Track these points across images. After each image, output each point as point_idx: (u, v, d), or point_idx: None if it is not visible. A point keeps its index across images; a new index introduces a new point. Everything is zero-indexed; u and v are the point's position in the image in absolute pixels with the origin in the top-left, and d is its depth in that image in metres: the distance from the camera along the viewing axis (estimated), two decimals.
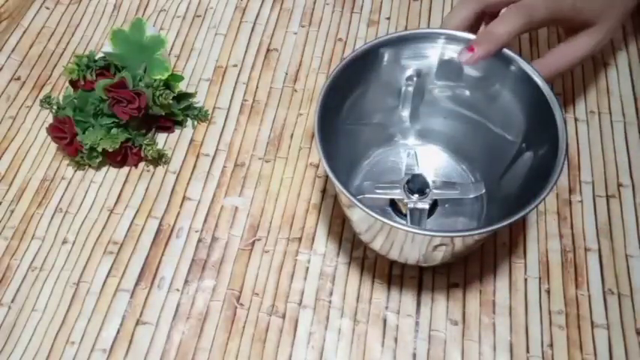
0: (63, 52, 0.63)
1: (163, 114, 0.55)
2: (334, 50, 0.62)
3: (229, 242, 0.51)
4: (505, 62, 0.44)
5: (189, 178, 0.55)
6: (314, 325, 0.47)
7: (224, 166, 0.55)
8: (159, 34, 0.57)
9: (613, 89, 0.58)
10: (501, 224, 0.38)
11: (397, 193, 0.48)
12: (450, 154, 0.52)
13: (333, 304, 0.48)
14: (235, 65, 0.62)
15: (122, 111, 0.52)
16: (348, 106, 0.47)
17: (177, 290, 0.49)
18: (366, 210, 0.38)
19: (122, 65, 0.55)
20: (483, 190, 0.48)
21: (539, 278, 0.49)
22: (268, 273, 0.50)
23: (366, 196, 0.48)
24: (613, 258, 0.49)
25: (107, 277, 0.50)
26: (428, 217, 0.48)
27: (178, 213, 0.53)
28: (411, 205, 0.47)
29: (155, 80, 0.55)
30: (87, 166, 0.55)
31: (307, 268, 0.50)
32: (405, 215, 0.48)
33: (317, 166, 0.55)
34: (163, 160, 0.55)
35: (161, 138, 0.57)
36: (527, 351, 0.46)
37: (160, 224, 0.52)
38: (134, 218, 0.53)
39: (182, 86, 0.59)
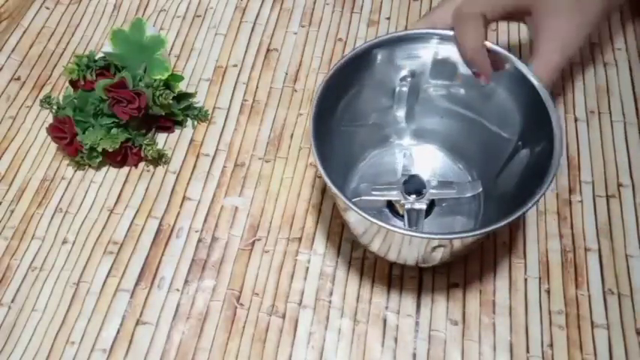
0: (63, 52, 0.63)
1: (163, 114, 0.55)
2: (334, 50, 0.62)
3: (229, 242, 0.51)
4: (499, 60, 0.44)
5: (189, 178, 0.55)
6: (314, 325, 0.47)
7: (224, 166, 0.55)
8: (159, 34, 0.57)
9: (613, 89, 0.58)
10: (498, 225, 0.38)
11: (394, 195, 0.48)
12: (446, 153, 0.52)
13: (333, 304, 0.48)
14: (235, 65, 0.62)
15: (122, 111, 0.52)
16: (343, 107, 0.47)
17: (177, 290, 0.49)
18: (362, 214, 0.38)
19: (122, 65, 0.55)
20: (480, 189, 0.48)
21: (539, 278, 0.49)
22: (268, 273, 0.50)
23: (363, 198, 0.47)
24: (613, 258, 0.49)
25: (107, 277, 0.50)
26: (425, 217, 0.48)
27: (178, 213, 0.53)
28: (408, 206, 0.47)
29: (155, 80, 0.55)
30: (87, 166, 0.55)
31: (307, 268, 0.50)
32: (403, 216, 0.48)
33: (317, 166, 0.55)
34: (163, 160, 0.55)
35: (161, 138, 0.57)
36: (527, 351, 0.46)
37: (160, 224, 0.52)
38: (134, 218, 0.53)
39: (182, 86, 0.59)
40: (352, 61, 0.44)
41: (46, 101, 0.59)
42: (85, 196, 0.54)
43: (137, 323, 0.48)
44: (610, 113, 0.57)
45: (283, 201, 0.53)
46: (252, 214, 0.53)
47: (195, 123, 0.58)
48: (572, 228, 0.51)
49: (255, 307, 0.48)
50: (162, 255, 0.51)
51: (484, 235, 0.39)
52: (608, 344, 0.46)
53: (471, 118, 0.49)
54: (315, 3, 0.66)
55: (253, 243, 0.51)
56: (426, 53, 0.46)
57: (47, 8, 0.67)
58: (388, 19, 0.64)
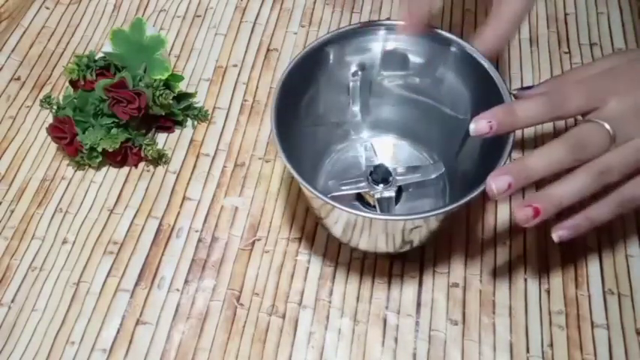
0: (63, 52, 0.63)
1: (163, 114, 0.55)
2: None
3: (229, 242, 0.51)
4: (445, 44, 0.46)
5: (189, 178, 0.55)
6: (314, 325, 0.47)
7: (224, 166, 0.55)
8: (159, 34, 0.57)
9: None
10: (459, 203, 0.39)
11: (363, 187, 0.49)
12: (406, 140, 0.53)
13: (333, 304, 0.48)
14: (235, 65, 0.62)
15: (122, 111, 0.52)
16: (304, 107, 0.48)
17: (177, 290, 0.49)
18: (333, 203, 0.39)
19: (122, 65, 0.55)
20: (443, 169, 0.50)
21: (539, 278, 0.49)
22: (268, 273, 0.50)
23: (334, 194, 0.48)
24: (613, 258, 0.49)
25: (107, 277, 0.50)
26: (395, 204, 0.49)
27: (178, 213, 0.53)
28: (377, 195, 0.48)
29: (155, 80, 0.55)
30: (87, 166, 0.55)
31: (307, 268, 0.50)
32: (374, 206, 0.49)
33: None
34: (163, 160, 0.55)
35: (161, 138, 0.57)
36: (528, 351, 0.46)
37: (160, 224, 0.52)
38: (134, 218, 0.53)
39: (182, 86, 0.59)
40: (303, 60, 0.46)
41: (46, 101, 0.59)
42: (85, 196, 0.54)
43: (137, 323, 0.48)
44: None
45: (283, 201, 0.53)
46: (252, 214, 0.53)
47: (195, 123, 0.58)
48: None
49: (255, 307, 0.48)
50: (162, 255, 0.51)
51: (449, 212, 0.40)
52: (608, 344, 0.46)
53: (425, 104, 0.50)
54: (315, 3, 0.66)
55: (253, 243, 0.51)
56: (375, 45, 0.48)
57: (47, 8, 0.67)
58: (388, 19, 0.64)
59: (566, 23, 0.63)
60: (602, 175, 0.39)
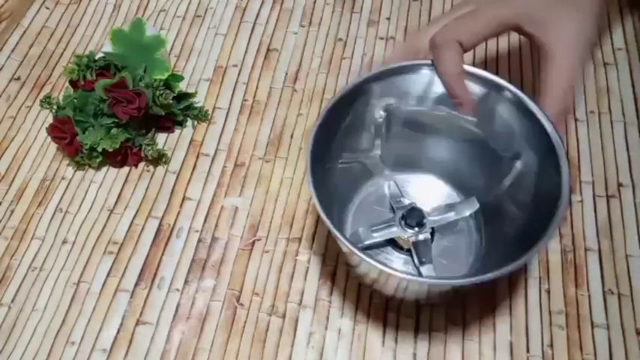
0: (63, 52, 0.63)
1: (163, 114, 0.55)
2: (334, 50, 0.62)
3: (229, 242, 0.51)
4: (491, 87, 0.44)
5: (189, 178, 0.55)
6: (314, 325, 0.47)
7: (224, 166, 0.55)
8: (159, 34, 0.57)
9: (613, 89, 0.58)
10: (510, 266, 0.37)
11: (395, 232, 0.46)
12: (436, 177, 0.51)
13: (333, 304, 0.48)
14: (235, 65, 0.62)
15: (122, 111, 0.52)
16: (333, 149, 0.46)
17: (177, 290, 0.49)
18: (390, 270, 0.38)
19: (122, 65, 0.55)
20: (477, 206, 0.48)
21: (539, 278, 0.49)
22: (268, 273, 0.50)
23: (366, 243, 0.46)
24: (613, 258, 0.49)
25: (107, 277, 0.50)
26: None
27: (178, 213, 0.53)
28: (412, 239, 0.46)
29: (155, 80, 0.55)
30: (87, 166, 0.55)
31: (307, 268, 0.50)
32: (409, 250, 0.47)
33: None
34: (163, 160, 0.55)
35: (161, 138, 0.57)
36: (528, 351, 0.46)
37: (160, 224, 0.52)
38: (134, 218, 0.53)
39: (182, 86, 0.59)
40: (338, 102, 0.44)
41: (46, 101, 0.59)
42: (85, 196, 0.54)
43: (137, 323, 0.48)
44: (610, 113, 0.57)
45: (283, 201, 0.53)
46: (252, 214, 0.53)
47: (195, 123, 0.58)
48: (572, 228, 0.51)
49: (255, 307, 0.48)
50: (162, 255, 0.51)
51: (496, 277, 0.38)
52: (608, 344, 0.46)
53: (458, 140, 0.48)
54: (315, 3, 0.66)
55: (253, 243, 0.51)
56: (402, 84, 0.46)
57: (47, 8, 0.67)
58: (388, 19, 0.64)
59: None
60: None
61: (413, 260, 0.47)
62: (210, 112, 0.58)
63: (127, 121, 0.53)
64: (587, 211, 0.52)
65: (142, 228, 0.52)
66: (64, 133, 0.53)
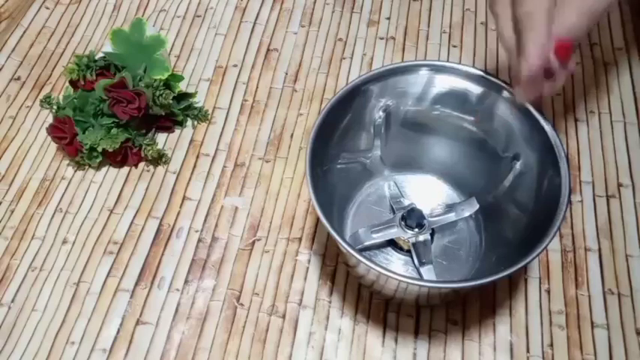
0: (63, 52, 0.63)
1: (163, 114, 0.55)
2: (334, 50, 0.62)
3: (229, 242, 0.51)
4: (491, 87, 0.44)
5: (189, 178, 0.55)
6: (314, 325, 0.47)
7: (224, 166, 0.55)
8: (159, 34, 0.57)
9: (613, 89, 0.58)
10: (512, 269, 0.37)
11: (395, 232, 0.47)
12: (435, 177, 0.51)
13: (333, 304, 0.48)
14: (235, 65, 0.62)
15: (122, 111, 0.52)
16: (332, 149, 0.46)
17: (177, 290, 0.49)
18: (390, 274, 0.38)
19: (122, 65, 0.55)
20: (477, 206, 0.48)
21: (540, 278, 0.49)
22: (268, 273, 0.50)
23: (366, 244, 0.47)
24: (613, 258, 0.49)
25: (107, 277, 0.50)
26: None
27: (178, 213, 0.53)
28: (412, 240, 0.46)
29: (155, 80, 0.55)
30: (87, 166, 0.55)
31: (307, 268, 0.50)
32: (408, 251, 0.47)
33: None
34: (163, 160, 0.55)
35: (161, 138, 0.57)
36: (528, 351, 0.46)
37: (160, 224, 0.52)
38: (134, 218, 0.53)
39: (182, 86, 0.59)
40: (338, 102, 0.44)
41: (46, 101, 0.59)
42: (85, 196, 0.54)
43: (137, 323, 0.48)
44: (610, 113, 0.57)
45: (283, 201, 0.53)
46: (252, 214, 0.53)
47: (195, 123, 0.58)
48: (572, 228, 0.51)
49: (255, 307, 0.48)
50: (162, 255, 0.51)
51: (499, 279, 0.38)
52: (608, 344, 0.46)
53: (458, 140, 0.48)
54: (315, 3, 0.66)
55: (253, 243, 0.51)
56: (401, 85, 0.46)
57: (47, 8, 0.67)
58: (388, 19, 0.64)
59: None
60: None
61: (413, 261, 0.47)
62: (210, 112, 0.58)
63: (127, 121, 0.53)
64: (587, 211, 0.52)
65: (142, 228, 0.52)
66: (64, 133, 0.53)
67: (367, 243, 0.47)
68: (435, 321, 0.47)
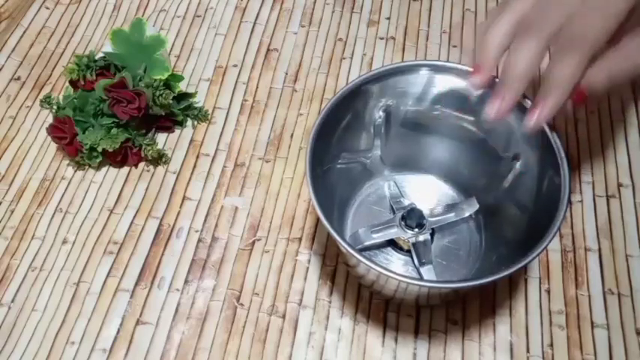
0: (63, 52, 0.63)
1: (163, 114, 0.55)
2: (334, 50, 0.62)
3: (229, 242, 0.51)
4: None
5: (189, 178, 0.55)
6: (314, 325, 0.47)
7: (224, 166, 0.55)
8: (159, 34, 0.57)
9: (613, 89, 0.58)
10: (512, 269, 0.37)
11: (395, 232, 0.46)
12: (435, 177, 0.51)
13: (333, 304, 0.48)
14: (235, 65, 0.62)
15: (122, 111, 0.52)
16: (333, 149, 0.46)
17: (177, 290, 0.49)
18: (389, 274, 0.37)
19: (122, 65, 0.55)
20: (477, 206, 0.47)
21: (540, 278, 0.49)
22: (268, 273, 0.50)
23: (366, 244, 0.47)
24: (613, 258, 0.49)
25: (107, 277, 0.50)
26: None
27: (178, 213, 0.53)
28: (412, 240, 0.46)
29: (155, 80, 0.55)
30: (87, 166, 0.55)
31: (307, 268, 0.50)
32: (408, 251, 0.47)
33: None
34: (163, 160, 0.55)
35: (161, 138, 0.57)
36: (528, 351, 0.46)
37: (160, 224, 0.52)
38: (134, 218, 0.53)
39: (182, 86, 0.59)
40: (338, 102, 0.43)
41: (46, 101, 0.59)
42: (85, 196, 0.54)
43: (137, 323, 0.48)
44: (610, 113, 0.57)
45: (283, 201, 0.53)
46: (252, 214, 0.53)
47: (195, 123, 0.58)
48: (572, 228, 0.51)
49: (255, 307, 0.48)
50: (162, 255, 0.51)
51: (500, 278, 0.38)
52: (608, 344, 0.46)
53: (458, 140, 0.48)
54: (315, 3, 0.66)
55: (253, 243, 0.51)
56: (401, 85, 0.46)
57: (47, 8, 0.67)
58: (388, 19, 0.64)
59: None
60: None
61: (413, 261, 0.47)
62: (210, 112, 0.58)
63: (127, 121, 0.53)
64: (587, 211, 0.52)
65: (142, 228, 0.52)
66: (64, 133, 0.53)
67: (367, 243, 0.47)
68: (435, 321, 0.47)
